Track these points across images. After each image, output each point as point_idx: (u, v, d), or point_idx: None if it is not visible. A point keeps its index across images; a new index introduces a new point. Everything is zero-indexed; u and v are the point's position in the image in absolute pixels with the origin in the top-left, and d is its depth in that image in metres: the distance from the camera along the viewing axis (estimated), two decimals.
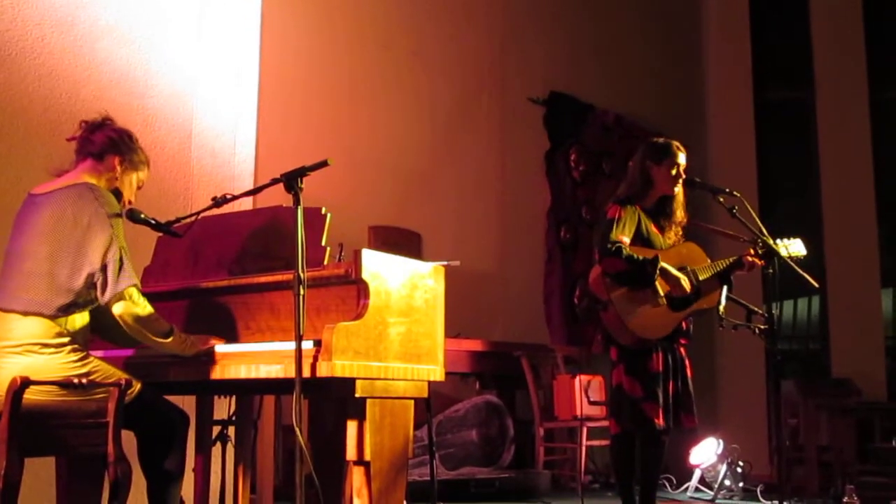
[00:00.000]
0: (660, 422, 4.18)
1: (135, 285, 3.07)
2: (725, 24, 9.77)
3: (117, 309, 3.05)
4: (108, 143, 3.26)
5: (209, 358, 3.17)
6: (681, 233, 4.47)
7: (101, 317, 3.23)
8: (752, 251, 4.41)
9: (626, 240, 4.22)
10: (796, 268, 4.40)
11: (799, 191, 9.76)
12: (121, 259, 3.04)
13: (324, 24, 7.30)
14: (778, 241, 4.44)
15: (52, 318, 3.03)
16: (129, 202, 3.33)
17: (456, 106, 8.11)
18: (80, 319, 3.13)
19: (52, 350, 3.02)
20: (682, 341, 4.37)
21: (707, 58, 9.83)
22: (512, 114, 8.40)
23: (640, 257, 4.17)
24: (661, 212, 4.42)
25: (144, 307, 3.09)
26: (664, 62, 9.47)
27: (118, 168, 3.26)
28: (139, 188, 3.39)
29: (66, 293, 3.03)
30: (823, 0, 9.54)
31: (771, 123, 9.62)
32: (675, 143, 4.44)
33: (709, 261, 4.42)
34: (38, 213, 3.12)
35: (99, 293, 3.05)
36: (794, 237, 4.52)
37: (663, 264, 4.18)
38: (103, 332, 3.33)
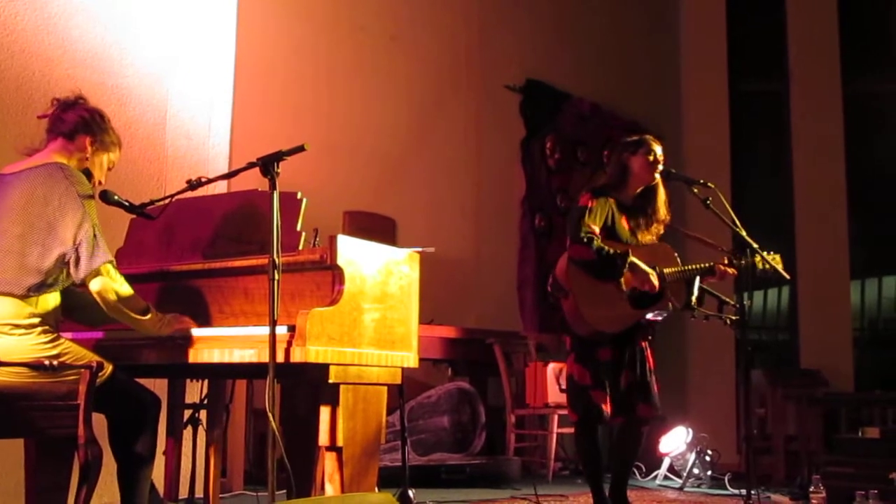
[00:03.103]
0: (607, 408, 4.21)
1: (111, 261, 3.06)
2: (701, 15, 9.82)
3: (95, 285, 3.03)
4: (79, 122, 3.22)
5: (183, 341, 3.16)
6: (661, 231, 4.45)
7: (72, 297, 3.21)
8: (725, 260, 4.43)
9: (597, 229, 4.22)
10: (769, 261, 4.43)
11: (771, 182, 9.84)
12: (94, 236, 3.02)
13: (300, 7, 7.25)
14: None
15: (23, 298, 3.00)
16: (100, 183, 3.30)
17: (433, 91, 8.09)
18: (52, 300, 3.10)
19: (23, 331, 2.99)
20: (643, 343, 4.36)
21: (683, 48, 9.88)
22: (488, 100, 8.39)
23: (612, 250, 4.17)
24: (640, 209, 4.41)
25: (122, 283, 3.08)
26: (641, 51, 9.50)
27: (89, 148, 3.23)
28: (110, 169, 3.36)
29: (37, 273, 3.01)
30: None
31: (745, 114, 9.68)
32: (650, 136, 4.44)
33: (679, 263, 4.41)
34: (8, 192, 3.09)
35: (72, 270, 3.02)
36: (775, 253, 4.51)
37: (633, 259, 4.18)
38: (73, 312, 3.31)
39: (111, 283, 3.04)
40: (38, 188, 3.05)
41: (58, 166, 3.11)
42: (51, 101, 3.30)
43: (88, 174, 3.24)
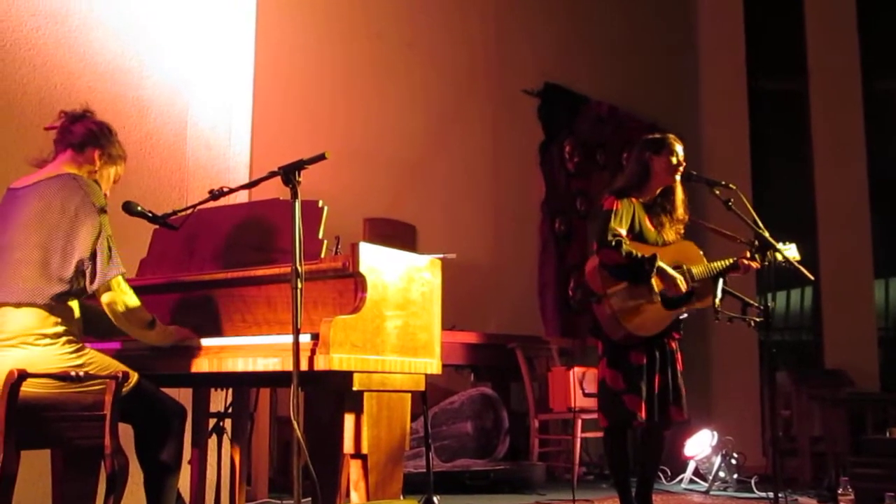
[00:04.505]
0: (642, 414, 4.17)
1: (122, 274, 3.09)
2: (719, 15, 9.79)
3: (106, 298, 3.07)
4: (88, 135, 3.25)
5: (206, 351, 3.17)
6: (682, 231, 4.44)
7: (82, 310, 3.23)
8: (748, 253, 4.41)
9: (624, 232, 4.20)
10: (793, 262, 4.41)
11: (792, 182, 9.78)
12: (109, 248, 3.06)
13: (318, 15, 7.27)
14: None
15: (46, 307, 3.01)
16: (105, 195, 3.32)
17: (450, 97, 8.10)
18: (74, 310, 3.12)
19: (49, 341, 3.01)
20: (676, 335, 4.36)
21: (701, 48, 9.85)
22: (506, 105, 8.39)
23: (639, 254, 4.15)
24: (660, 207, 4.39)
25: (131, 296, 3.12)
26: (658, 53, 9.47)
27: (98, 161, 3.26)
28: (115, 182, 3.39)
29: (59, 282, 3.02)
30: None
31: (764, 114, 9.63)
32: (672, 136, 4.43)
33: (705, 260, 4.40)
34: (23, 204, 3.11)
35: (87, 282, 3.05)
36: (790, 242, 4.52)
37: (661, 264, 4.16)
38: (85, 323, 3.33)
39: (121, 296, 3.09)
40: (55, 199, 3.07)
41: (72, 177, 3.13)
42: (58, 113, 3.33)
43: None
